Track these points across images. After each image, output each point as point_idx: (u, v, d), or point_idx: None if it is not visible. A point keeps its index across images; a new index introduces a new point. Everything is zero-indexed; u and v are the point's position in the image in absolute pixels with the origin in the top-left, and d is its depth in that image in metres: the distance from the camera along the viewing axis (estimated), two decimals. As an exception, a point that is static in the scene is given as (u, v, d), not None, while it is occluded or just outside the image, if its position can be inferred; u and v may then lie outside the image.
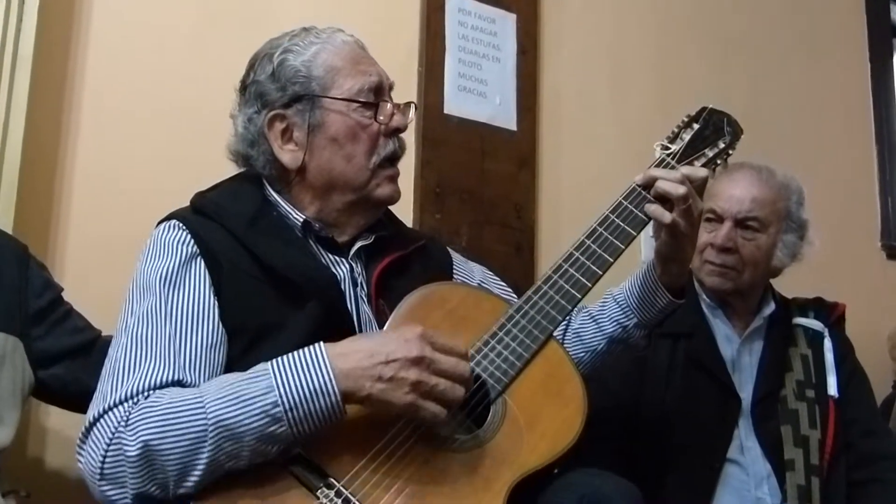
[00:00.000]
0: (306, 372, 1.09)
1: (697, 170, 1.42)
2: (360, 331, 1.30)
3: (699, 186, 1.41)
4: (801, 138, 2.92)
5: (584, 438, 1.21)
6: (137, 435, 1.07)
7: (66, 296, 1.50)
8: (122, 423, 1.09)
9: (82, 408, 1.19)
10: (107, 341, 1.26)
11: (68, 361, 1.43)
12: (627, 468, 1.42)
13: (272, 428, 1.07)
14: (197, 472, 1.07)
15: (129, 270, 1.28)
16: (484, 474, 1.15)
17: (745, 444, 1.81)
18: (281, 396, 1.08)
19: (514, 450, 1.17)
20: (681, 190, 1.36)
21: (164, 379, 1.14)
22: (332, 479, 1.11)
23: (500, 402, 1.22)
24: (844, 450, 1.85)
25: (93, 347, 1.44)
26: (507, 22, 2.40)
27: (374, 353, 1.10)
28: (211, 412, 1.07)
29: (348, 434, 1.13)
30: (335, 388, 1.08)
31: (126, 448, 1.07)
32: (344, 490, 1.10)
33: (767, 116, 2.82)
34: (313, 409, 1.08)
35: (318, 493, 1.10)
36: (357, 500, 1.10)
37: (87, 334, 1.47)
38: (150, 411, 1.09)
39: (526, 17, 2.44)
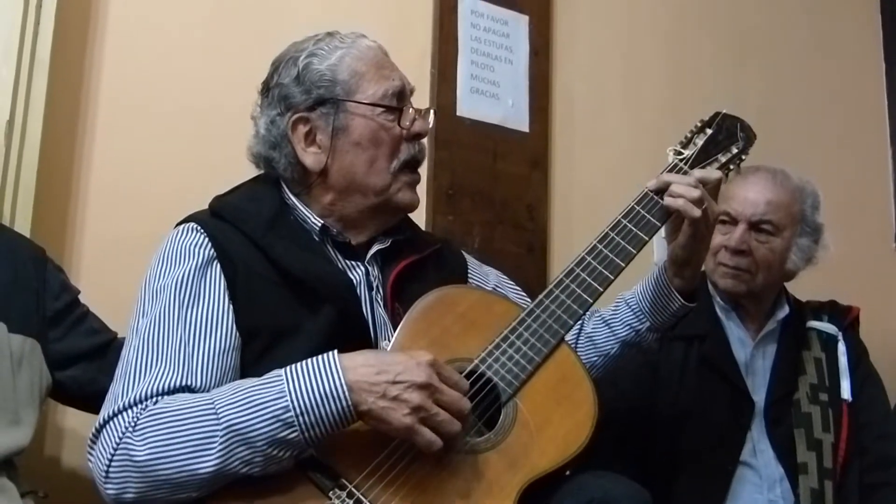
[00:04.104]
0: (317, 377, 1.10)
1: (710, 172, 1.43)
2: (376, 335, 1.31)
3: (713, 189, 1.41)
4: (814, 139, 2.90)
5: (594, 442, 1.21)
6: (146, 440, 1.09)
7: (82, 298, 1.51)
8: (131, 428, 1.11)
9: (99, 409, 1.20)
10: (122, 343, 1.27)
11: (85, 363, 1.45)
12: (640, 470, 1.43)
13: (284, 433, 1.08)
14: (204, 477, 1.08)
15: (145, 273, 1.30)
16: (494, 477, 1.16)
17: (758, 446, 1.82)
18: (292, 401, 1.09)
19: (525, 453, 1.18)
20: (695, 193, 1.37)
21: (174, 384, 1.15)
22: (345, 481, 1.12)
23: (511, 405, 1.23)
24: (858, 453, 1.85)
25: (109, 349, 1.46)
26: (519, 23, 2.40)
27: (383, 371, 1.11)
28: (223, 417, 1.09)
29: (360, 436, 1.14)
30: (346, 394, 1.09)
31: (133, 453, 1.09)
32: (356, 491, 1.11)
33: (781, 117, 2.81)
34: (324, 414, 1.09)
35: (331, 494, 1.11)
36: (368, 502, 1.11)
37: (104, 336, 1.49)
38: (160, 416, 1.11)
39: (538, 18, 2.44)
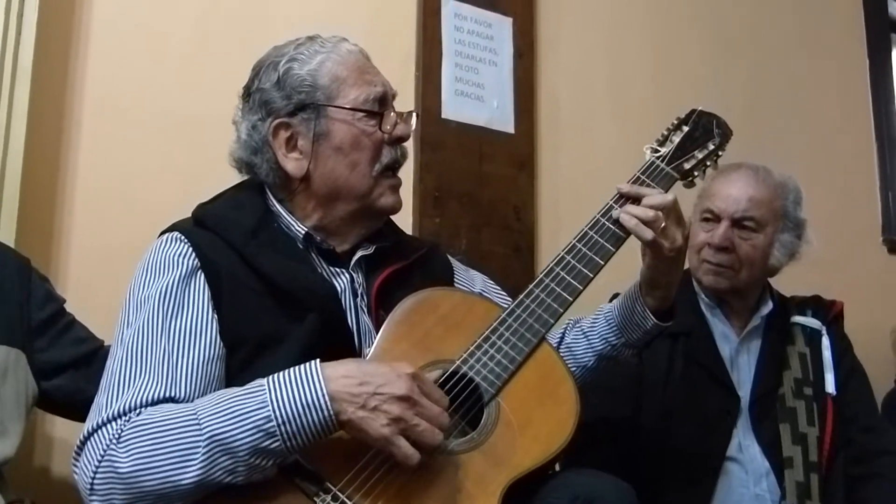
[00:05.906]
0: (299, 387, 1.10)
1: (663, 197, 1.40)
2: (360, 342, 1.32)
3: (671, 212, 1.39)
4: (800, 134, 2.92)
5: (577, 439, 1.22)
6: (130, 452, 1.09)
7: (68, 307, 1.51)
8: (115, 440, 1.11)
9: (86, 417, 1.21)
10: (108, 351, 1.27)
11: (71, 372, 1.45)
12: (627, 467, 1.43)
13: (266, 443, 1.08)
14: (187, 487, 1.08)
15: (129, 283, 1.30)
16: (478, 477, 1.16)
17: (744, 442, 1.82)
18: (274, 411, 1.09)
19: (508, 452, 1.19)
20: (650, 214, 1.36)
21: (158, 395, 1.15)
22: (329, 485, 1.12)
23: (494, 404, 1.23)
24: (843, 446, 1.86)
25: (95, 358, 1.46)
26: (503, 26, 2.41)
27: (364, 382, 1.12)
28: (205, 427, 1.09)
29: (344, 440, 1.14)
30: (328, 404, 1.10)
31: (117, 465, 1.09)
32: (340, 495, 1.12)
33: (767, 113, 2.83)
34: (306, 424, 1.09)
35: (316, 498, 1.11)
36: (353, 505, 1.11)
37: (90, 345, 1.49)
38: (143, 428, 1.11)
39: (522, 20, 2.45)
